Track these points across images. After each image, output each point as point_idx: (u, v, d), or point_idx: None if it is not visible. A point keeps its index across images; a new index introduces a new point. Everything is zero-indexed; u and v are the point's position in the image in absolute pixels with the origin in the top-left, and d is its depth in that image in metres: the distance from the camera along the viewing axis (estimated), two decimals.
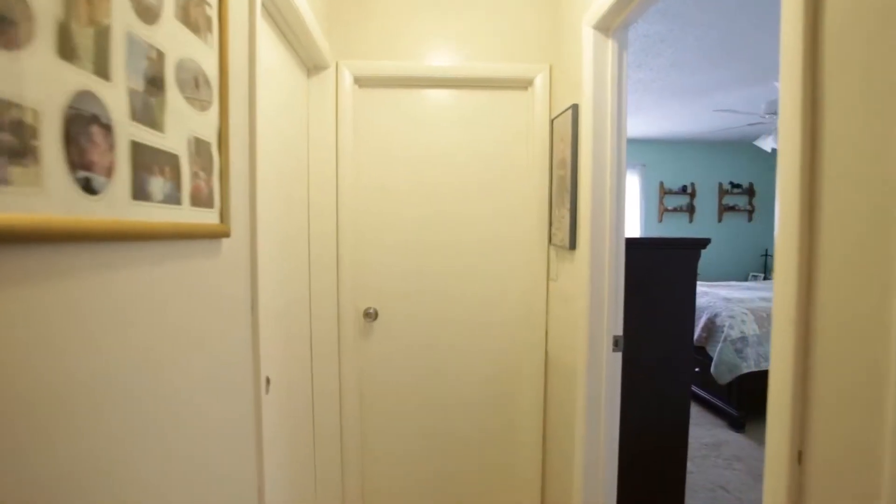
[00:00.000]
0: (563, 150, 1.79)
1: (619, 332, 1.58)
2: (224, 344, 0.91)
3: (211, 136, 0.83)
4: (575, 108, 1.68)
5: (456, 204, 2.08)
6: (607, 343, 1.59)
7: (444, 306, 2.10)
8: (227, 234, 0.88)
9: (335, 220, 1.98)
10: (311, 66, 1.90)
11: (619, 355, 1.60)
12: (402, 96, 2.06)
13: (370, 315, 2.07)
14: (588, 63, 1.57)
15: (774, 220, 0.67)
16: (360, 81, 2.03)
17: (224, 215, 0.87)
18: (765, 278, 5.62)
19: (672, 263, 1.88)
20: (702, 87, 3.43)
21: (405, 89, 2.06)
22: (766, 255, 5.78)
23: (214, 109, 0.84)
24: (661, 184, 5.79)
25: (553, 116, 1.95)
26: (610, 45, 1.55)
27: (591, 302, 1.58)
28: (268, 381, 1.18)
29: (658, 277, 1.89)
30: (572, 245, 1.70)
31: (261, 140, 1.08)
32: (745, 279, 5.83)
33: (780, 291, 0.69)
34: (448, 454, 2.15)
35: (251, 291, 1.04)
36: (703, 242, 1.89)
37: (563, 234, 1.78)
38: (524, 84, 2.05)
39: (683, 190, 5.86)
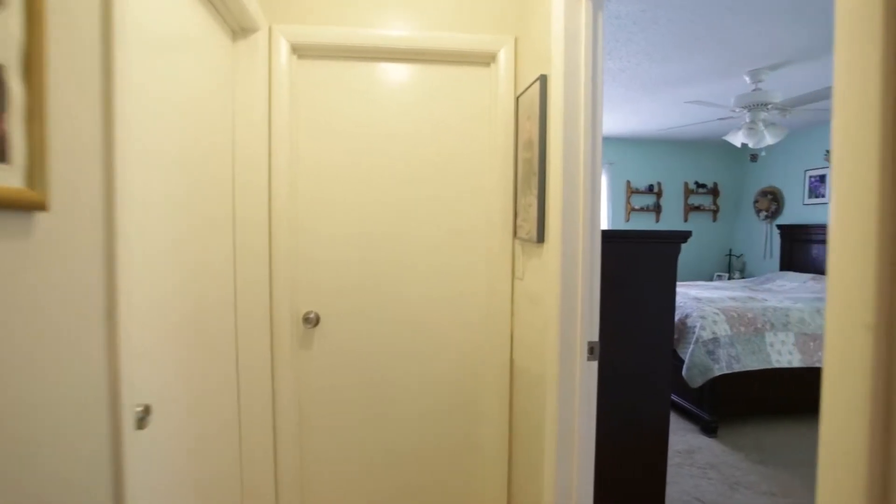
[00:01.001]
0: (530, 130, 1.56)
1: (595, 337, 1.37)
2: (43, 369, 0.62)
3: (3, 54, 0.55)
4: (543, 80, 1.46)
5: (410, 192, 1.83)
6: (581, 350, 1.37)
7: (396, 308, 1.84)
8: (40, 206, 0.60)
9: (267, 208, 1.69)
10: (237, 27, 1.61)
11: (594, 364, 1.38)
12: (348, 70, 1.79)
13: (310, 321, 1.79)
14: (558, 25, 1.35)
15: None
16: (300, 51, 1.75)
17: (35, 177, 0.59)
18: (729, 278, 5.62)
19: (650, 259, 1.69)
20: (672, 78, 3.30)
21: (352, 62, 1.79)
22: (731, 254, 5.80)
23: (14, 15, 0.56)
24: (628, 182, 5.72)
25: (518, 93, 1.73)
26: (583, 5, 1.34)
27: (562, 303, 1.36)
28: (146, 410, 0.89)
29: (635, 274, 1.69)
30: (540, 238, 1.48)
31: (127, 87, 0.79)
32: (711, 279, 5.83)
33: (846, 286, 0.47)
34: (402, 472, 1.88)
35: (106, 291, 0.75)
36: (684, 236, 1.70)
37: (529, 226, 1.55)
38: (486, 59, 1.82)
39: (650, 189, 5.80)
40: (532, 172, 1.53)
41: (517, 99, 1.74)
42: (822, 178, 4.64)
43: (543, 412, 1.51)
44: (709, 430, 3.08)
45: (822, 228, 4.51)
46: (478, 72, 1.84)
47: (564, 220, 1.35)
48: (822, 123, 4.59)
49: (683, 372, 3.10)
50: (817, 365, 3.18)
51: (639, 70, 3.16)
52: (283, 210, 1.72)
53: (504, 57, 1.78)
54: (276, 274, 1.72)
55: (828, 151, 4.54)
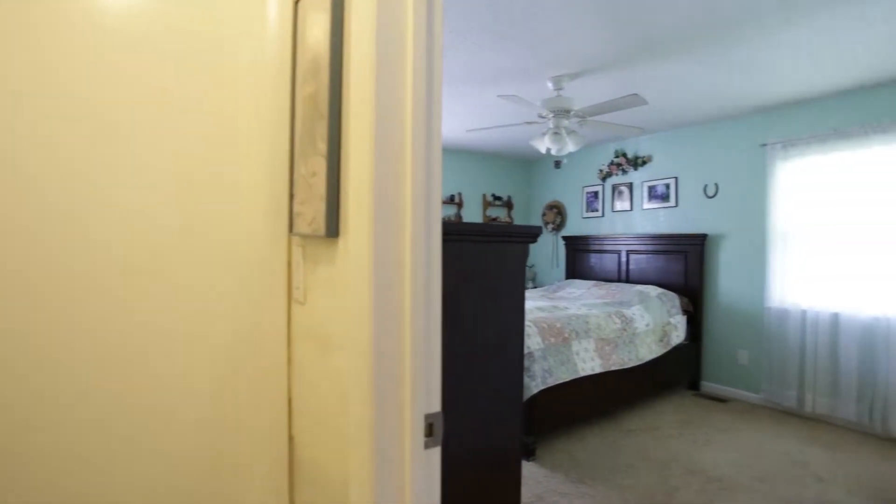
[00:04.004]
0: (317, 45, 0.90)
1: (436, 406, 0.76)
2: None
3: None
4: None
5: (100, 158, 0.95)
6: (412, 432, 0.75)
7: (74, 364, 0.93)
8: None
9: None
10: None
11: (435, 452, 0.78)
12: None
13: None
14: None
15: None
16: None
17: None
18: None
19: (495, 263, 1.20)
20: (481, 75, 3.06)
21: None
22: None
23: None
24: None
25: None
26: None
27: (377, 348, 0.72)
28: None
29: (476, 285, 1.17)
30: (332, 230, 0.82)
31: None
32: None
33: None
34: None
35: None
36: (534, 233, 1.26)
37: (313, 211, 0.88)
38: None
39: (451, 199, 5.73)
40: (318, 115, 0.86)
41: (296, 4, 1.05)
42: (596, 194, 5.15)
43: None
44: (528, 453, 2.84)
45: (597, 239, 4.97)
46: None
47: (378, 192, 0.71)
48: (597, 143, 5.10)
49: None
50: (613, 368, 3.28)
51: (449, 60, 2.80)
52: None
53: None
54: None
55: (600, 170, 5.06)
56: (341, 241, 0.81)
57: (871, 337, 3.19)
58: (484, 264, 1.18)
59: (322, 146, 0.84)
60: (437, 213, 0.77)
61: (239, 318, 1.08)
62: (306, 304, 1.00)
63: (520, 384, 1.40)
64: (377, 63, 0.72)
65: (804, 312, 3.49)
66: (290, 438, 1.12)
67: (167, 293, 1.01)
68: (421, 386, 0.73)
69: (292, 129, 1.05)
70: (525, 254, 1.25)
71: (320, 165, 0.84)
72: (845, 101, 3.35)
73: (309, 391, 1.01)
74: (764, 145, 3.74)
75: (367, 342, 0.71)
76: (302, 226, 0.95)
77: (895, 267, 3.06)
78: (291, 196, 1.04)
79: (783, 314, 3.60)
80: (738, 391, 3.95)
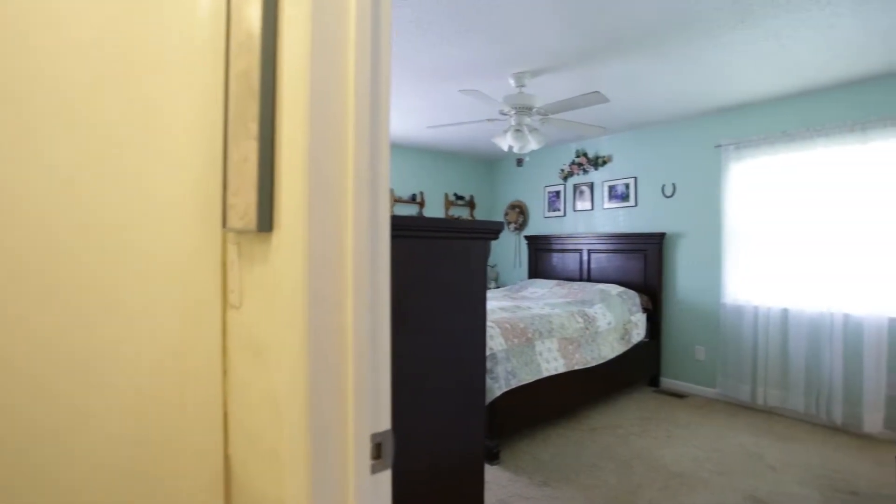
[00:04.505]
0: (251, 15, 0.79)
1: (385, 425, 0.67)
2: None
3: None
4: None
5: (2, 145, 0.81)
6: (357, 452, 0.65)
7: None
8: None
9: None
10: None
11: (384, 476, 0.69)
12: None
13: None
14: None
15: None
16: None
17: None
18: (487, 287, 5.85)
19: (452, 261, 1.12)
20: (443, 69, 2.98)
21: None
22: (486, 264, 6.07)
23: None
24: (392, 191, 5.40)
25: None
26: None
27: (312, 357, 0.62)
28: None
29: (433, 283, 1.09)
30: (265, 223, 0.72)
31: None
32: None
33: None
34: None
35: None
36: (495, 229, 1.19)
37: (246, 201, 0.77)
38: None
39: (413, 199, 5.64)
40: (250, 93, 0.76)
41: None
42: (558, 194, 5.18)
43: None
44: (492, 456, 2.78)
45: (559, 238, 5.00)
46: None
47: (314, 179, 0.62)
48: (559, 143, 5.12)
49: None
50: (576, 367, 3.27)
51: (409, 54, 2.71)
52: None
53: None
54: None
55: (562, 170, 5.10)
56: (275, 236, 0.71)
57: (816, 331, 3.33)
58: (442, 262, 1.10)
59: (253, 127, 0.73)
60: (385, 205, 0.68)
61: (166, 325, 0.95)
62: (242, 309, 0.89)
63: (482, 387, 1.33)
64: (312, 31, 0.63)
65: (756, 309, 3.61)
66: (227, 458, 1.00)
67: (83, 298, 0.88)
68: (366, 401, 0.64)
69: (226, 112, 0.93)
70: (486, 251, 1.18)
71: (252, 149, 0.74)
72: (792, 105, 3.49)
73: (245, 406, 0.90)
74: (718, 146, 3.84)
75: (300, 350, 0.61)
76: (235, 220, 0.84)
77: (839, 264, 3.20)
78: (225, 186, 0.93)
79: (737, 310, 3.70)
80: (696, 386, 4.04)
